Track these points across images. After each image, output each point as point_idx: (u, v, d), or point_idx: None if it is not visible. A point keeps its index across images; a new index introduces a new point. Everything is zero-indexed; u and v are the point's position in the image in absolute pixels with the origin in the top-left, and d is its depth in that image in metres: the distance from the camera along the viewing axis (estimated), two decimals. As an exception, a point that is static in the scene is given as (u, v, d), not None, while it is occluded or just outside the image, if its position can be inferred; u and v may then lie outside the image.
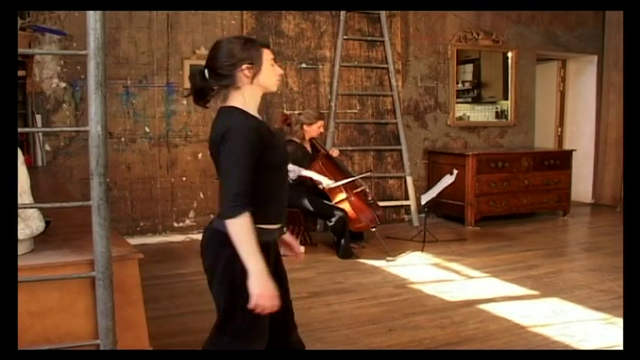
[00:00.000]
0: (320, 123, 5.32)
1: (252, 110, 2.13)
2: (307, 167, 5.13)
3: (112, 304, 1.81)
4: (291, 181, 5.04)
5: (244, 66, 2.03)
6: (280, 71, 2.18)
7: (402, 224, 6.58)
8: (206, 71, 2.06)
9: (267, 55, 2.09)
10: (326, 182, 5.03)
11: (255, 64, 2.05)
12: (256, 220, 1.97)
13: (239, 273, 1.95)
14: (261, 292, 1.92)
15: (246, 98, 2.09)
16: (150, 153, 5.64)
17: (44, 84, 5.24)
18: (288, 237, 2.38)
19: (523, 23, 7.44)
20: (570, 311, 3.69)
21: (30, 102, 4.98)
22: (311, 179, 5.09)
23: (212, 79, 2.06)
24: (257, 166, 1.98)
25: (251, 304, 1.92)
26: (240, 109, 2.06)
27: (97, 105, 1.73)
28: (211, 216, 5.84)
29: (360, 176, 5.43)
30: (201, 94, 2.13)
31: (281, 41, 6.05)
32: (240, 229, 1.93)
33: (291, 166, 4.99)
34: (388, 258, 4.95)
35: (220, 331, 2.10)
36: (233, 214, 1.92)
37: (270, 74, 2.12)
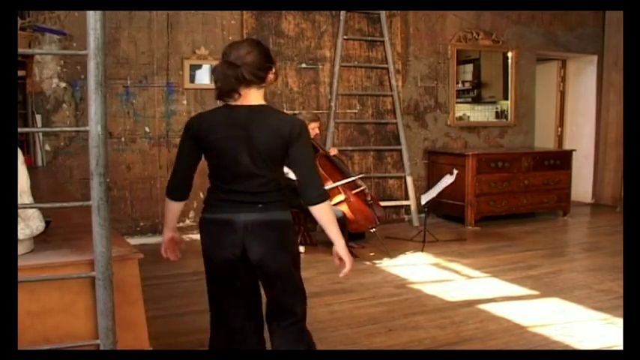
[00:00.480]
0: (313, 125, 5.30)
1: None
2: None
3: (112, 304, 1.81)
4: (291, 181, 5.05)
5: (273, 69, 2.23)
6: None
7: (402, 224, 6.58)
8: (244, 72, 2.13)
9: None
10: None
11: (275, 69, 2.25)
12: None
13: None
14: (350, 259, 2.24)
15: (264, 96, 2.26)
16: (150, 153, 5.65)
17: (44, 84, 5.24)
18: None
19: (523, 23, 7.45)
20: (570, 311, 3.69)
21: (30, 102, 4.98)
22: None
23: (250, 79, 2.15)
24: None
25: (347, 270, 2.23)
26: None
27: (97, 105, 1.73)
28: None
29: (355, 177, 5.35)
30: (229, 94, 2.17)
31: (281, 41, 6.06)
32: (330, 210, 2.27)
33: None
34: (374, 261, 4.94)
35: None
36: (326, 198, 2.26)
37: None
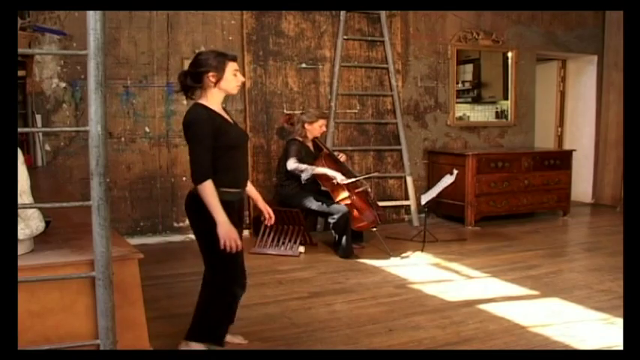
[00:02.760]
0: (321, 122, 5.32)
1: (215, 106, 2.80)
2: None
3: (112, 304, 1.81)
4: (304, 182, 5.06)
5: (210, 73, 2.74)
6: (242, 79, 2.86)
7: (402, 224, 6.58)
8: (187, 74, 2.81)
9: (231, 66, 2.77)
10: (340, 177, 5.03)
11: (218, 73, 2.74)
12: (217, 184, 2.69)
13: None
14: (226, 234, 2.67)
15: (208, 97, 2.80)
16: (150, 153, 5.65)
17: (44, 84, 5.24)
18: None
19: (523, 23, 7.45)
20: (570, 311, 3.69)
21: (30, 102, 4.98)
22: (325, 175, 5.09)
23: (189, 80, 2.81)
24: (214, 146, 2.70)
25: (221, 245, 2.67)
26: (202, 104, 2.77)
27: (97, 105, 1.73)
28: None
29: (368, 175, 5.45)
30: (186, 90, 2.85)
31: (281, 41, 6.06)
32: (204, 192, 2.66)
33: (304, 166, 5.01)
34: (392, 254, 4.95)
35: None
36: (199, 181, 2.67)
37: (230, 81, 2.79)
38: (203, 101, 2.78)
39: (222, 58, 2.76)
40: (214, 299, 2.89)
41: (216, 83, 2.75)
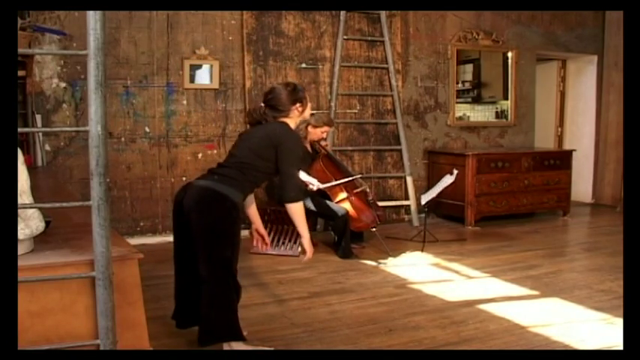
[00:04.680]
0: (325, 128, 5.28)
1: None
2: (308, 167, 5.12)
3: (112, 304, 1.81)
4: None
5: (297, 105, 3.11)
6: (310, 108, 3.27)
7: (402, 224, 6.58)
8: (267, 108, 3.15)
9: (301, 104, 3.12)
10: (316, 183, 4.98)
11: (304, 104, 3.13)
12: (243, 190, 2.94)
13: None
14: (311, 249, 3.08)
15: (291, 123, 3.12)
16: (150, 153, 5.65)
17: (44, 84, 5.24)
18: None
19: (523, 23, 7.45)
20: (570, 311, 3.69)
21: (30, 102, 4.98)
22: (326, 177, 5.06)
23: (272, 113, 3.13)
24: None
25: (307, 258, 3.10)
26: (291, 127, 3.09)
27: (97, 105, 1.73)
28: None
29: (354, 177, 5.33)
30: (257, 122, 3.19)
31: (281, 41, 6.06)
32: (298, 210, 2.96)
33: None
34: (380, 261, 4.91)
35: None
36: (297, 199, 2.95)
37: (308, 109, 3.19)
38: (291, 125, 3.10)
39: (301, 91, 3.16)
40: (225, 299, 2.84)
41: (301, 112, 3.12)
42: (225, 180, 2.88)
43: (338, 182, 5.12)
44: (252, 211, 3.28)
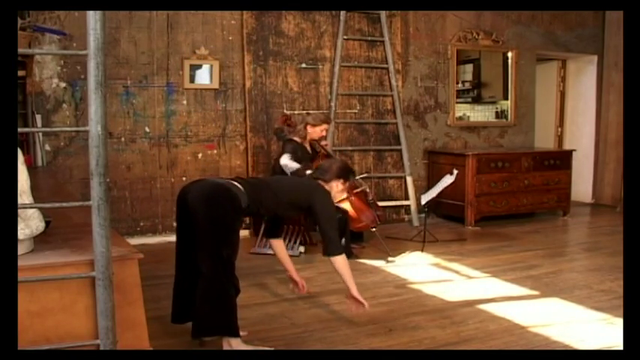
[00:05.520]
0: (324, 126, 5.27)
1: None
2: (308, 167, 5.11)
3: (112, 304, 1.81)
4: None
5: (341, 180, 3.46)
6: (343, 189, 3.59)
7: (402, 224, 6.58)
8: (317, 172, 3.53)
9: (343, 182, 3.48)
10: None
11: (344, 185, 3.51)
12: (252, 212, 3.18)
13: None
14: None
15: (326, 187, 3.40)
16: (150, 153, 5.65)
17: (44, 84, 5.24)
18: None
19: (523, 23, 7.45)
20: (570, 311, 3.69)
21: (30, 102, 4.98)
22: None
23: (317, 173, 3.50)
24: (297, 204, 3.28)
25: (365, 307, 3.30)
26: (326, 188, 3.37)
27: (97, 105, 1.73)
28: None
29: (362, 176, 5.39)
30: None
31: (281, 41, 6.05)
32: (345, 263, 3.24)
33: (295, 165, 4.93)
34: (389, 259, 4.95)
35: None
36: (342, 252, 3.24)
37: (339, 188, 3.49)
38: (325, 187, 3.37)
39: (351, 177, 3.55)
40: (223, 293, 2.86)
41: (338, 188, 3.46)
42: (239, 189, 3.00)
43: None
44: (285, 258, 3.59)
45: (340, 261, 3.21)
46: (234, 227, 2.98)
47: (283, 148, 5.20)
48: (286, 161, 4.93)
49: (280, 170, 5.22)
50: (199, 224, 2.86)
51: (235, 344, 2.91)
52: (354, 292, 3.24)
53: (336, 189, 3.44)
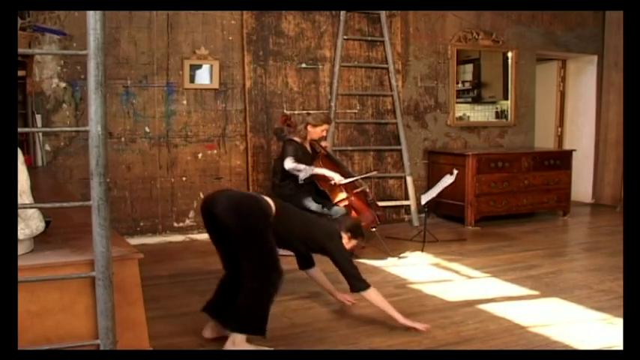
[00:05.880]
0: (325, 126, 5.27)
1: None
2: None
3: (112, 304, 1.81)
4: (301, 182, 5.04)
5: (348, 234, 3.47)
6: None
7: (402, 224, 6.58)
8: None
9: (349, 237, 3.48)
10: (338, 178, 5.00)
11: (350, 241, 3.50)
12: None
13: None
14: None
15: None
16: (150, 153, 5.64)
17: (44, 84, 5.24)
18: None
19: (523, 23, 7.45)
20: (570, 311, 3.69)
21: (30, 102, 4.98)
22: (323, 176, 5.07)
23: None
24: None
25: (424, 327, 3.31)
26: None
27: (97, 105, 1.73)
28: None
29: (368, 175, 5.43)
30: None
31: (281, 41, 6.06)
32: (378, 296, 3.34)
33: (302, 166, 4.97)
34: (402, 255, 4.95)
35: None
36: (366, 287, 3.28)
37: (350, 244, 3.50)
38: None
39: (360, 236, 3.56)
40: (262, 293, 2.99)
41: (346, 243, 3.46)
42: (267, 201, 3.17)
43: (355, 178, 5.20)
44: (326, 284, 3.70)
45: (371, 295, 3.27)
46: (268, 232, 3.07)
47: (283, 149, 5.19)
48: (291, 165, 4.95)
49: (281, 170, 5.22)
50: (234, 234, 2.99)
51: (239, 342, 2.92)
52: (402, 320, 3.26)
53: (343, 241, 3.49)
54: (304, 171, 4.96)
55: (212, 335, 3.18)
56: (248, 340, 2.99)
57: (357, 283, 3.26)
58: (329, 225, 3.53)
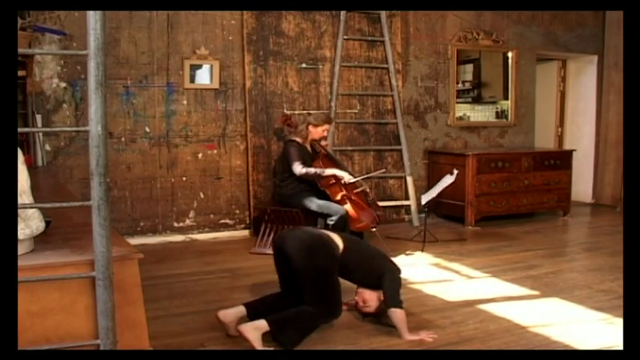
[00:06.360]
0: (326, 126, 5.29)
1: None
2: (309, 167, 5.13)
3: (112, 304, 1.81)
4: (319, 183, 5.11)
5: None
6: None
7: (402, 224, 6.58)
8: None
9: None
10: (347, 177, 5.06)
11: None
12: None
13: None
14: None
15: None
16: (150, 153, 5.64)
17: (44, 84, 5.24)
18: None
19: (523, 23, 7.45)
20: (570, 311, 3.69)
21: (30, 102, 4.98)
22: (334, 176, 5.11)
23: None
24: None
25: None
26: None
27: (97, 105, 1.73)
28: (211, 216, 5.85)
29: (375, 174, 5.45)
30: None
31: (281, 41, 6.06)
32: (400, 315, 3.26)
33: (313, 170, 5.04)
34: (407, 252, 4.96)
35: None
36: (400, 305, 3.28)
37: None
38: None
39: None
40: (314, 317, 3.17)
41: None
42: (335, 240, 3.34)
43: (364, 176, 5.35)
44: None
45: (400, 315, 3.25)
46: (335, 272, 3.25)
47: (286, 151, 5.19)
48: (302, 171, 5.00)
49: (281, 170, 5.22)
50: (301, 272, 3.17)
51: (254, 338, 2.97)
52: (408, 337, 3.21)
53: None
54: (316, 175, 5.01)
55: (227, 320, 3.21)
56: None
57: (396, 300, 3.30)
58: (389, 260, 3.55)
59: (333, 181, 5.06)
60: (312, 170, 5.02)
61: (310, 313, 3.12)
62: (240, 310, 3.25)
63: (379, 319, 3.39)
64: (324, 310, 3.16)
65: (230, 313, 3.23)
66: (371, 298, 3.42)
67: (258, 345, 2.96)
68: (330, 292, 3.19)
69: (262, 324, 3.00)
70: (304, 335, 3.13)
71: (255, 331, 2.98)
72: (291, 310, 3.13)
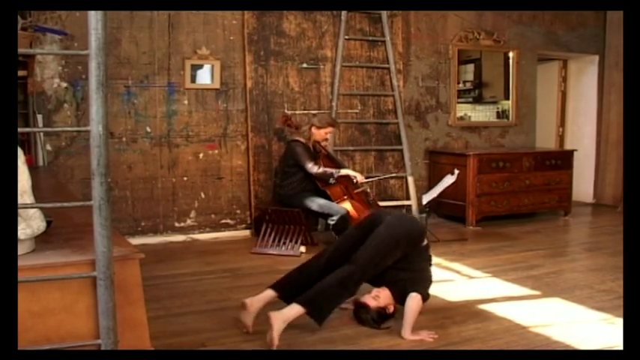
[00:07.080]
0: (329, 129, 5.31)
1: None
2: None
3: (113, 304, 1.81)
4: (332, 182, 5.14)
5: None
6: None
7: (403, 224, 6.56)
8: None
9: None
10: (360, 177, 5.22)
11: None
12: None
13: None
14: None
15: None
16: (151, 153, 5.65)
17: (45, 84, 5.24)
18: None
19: (524, 23, 7.44)
20: (571, 311, 3.69)
21: (31, 102, 4.99)
22: (347, 176, 5.18)
23: None
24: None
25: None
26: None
27: (98, 105, 1.73)
28: (212, 216, 5.85)
29: (388, 176, 5.49)
30: None
31: (282, 41, 6.06)
32: (416, 303, 3.29)
33: (330, 170, 5.11)
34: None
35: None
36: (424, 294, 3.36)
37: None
38: None
39: None
40: (343, 293, 3.23)
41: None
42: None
43: (377, 178, 5.44)
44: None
45: (418, 302, 3.28)
46: (399, 254, 3.33)
47: (292, 150, 5.19)
48: (319, 170, 5.07)
49: (282, 170, 5.22)
50: (380, 232, 3.29)
51: (276, 329, 2.99)
52: (410, 337, 3.19)
53: None
54: (332, 175, 5.07)
55: (254, 308, 3.25)
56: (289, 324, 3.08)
57: (425, 291, 3.37)
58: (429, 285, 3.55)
59: (354, 180, 5.18)
60: (328, 170, 5.08)
61: (342, 278, 3.16)
62: (267, 294, 3.31)
63: (376, 324, 3.34)
64: (361, 270, 3.20)
65: (258, 299, 3.27)
66: (385, 295, 3.39)
67: (275, 337, 2.98)
68: (381, 260, 3.26)
69: (294, 312, 3.06)
70: (334, 306, 3.23)
71: (282, 324, 3.01)
72: (318, 285, 3.17)
